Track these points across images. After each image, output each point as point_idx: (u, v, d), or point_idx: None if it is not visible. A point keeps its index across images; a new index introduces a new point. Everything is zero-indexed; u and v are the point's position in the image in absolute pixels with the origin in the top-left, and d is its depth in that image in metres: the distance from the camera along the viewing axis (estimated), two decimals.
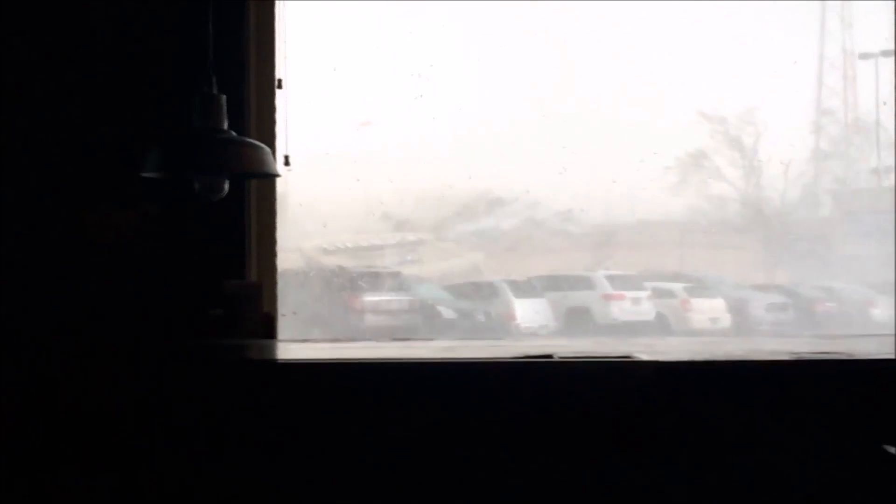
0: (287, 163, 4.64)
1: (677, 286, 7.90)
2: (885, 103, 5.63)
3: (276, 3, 4.71)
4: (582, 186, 6.60)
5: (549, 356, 3.21)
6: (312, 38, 5.61)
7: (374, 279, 8.05)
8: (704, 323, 7.47)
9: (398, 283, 7.52)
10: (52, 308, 4.48)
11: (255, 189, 4.62)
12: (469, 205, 7.03)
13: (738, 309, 7.41)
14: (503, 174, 6.58)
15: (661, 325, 7.26)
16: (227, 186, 4.04)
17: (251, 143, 4.00)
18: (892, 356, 3.55)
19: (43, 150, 4.59)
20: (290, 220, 6.17)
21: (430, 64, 6.07)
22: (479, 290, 8.53)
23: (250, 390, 3.27)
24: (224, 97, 4.01)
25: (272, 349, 3.89)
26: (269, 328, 4.50)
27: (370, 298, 7.59)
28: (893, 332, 4.62)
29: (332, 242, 7.41)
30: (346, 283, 7.18)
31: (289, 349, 3.91)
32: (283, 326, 4.93)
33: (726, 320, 7.34)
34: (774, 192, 7.10)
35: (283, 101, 4.72)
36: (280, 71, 4.69)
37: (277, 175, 4.13)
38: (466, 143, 6.42)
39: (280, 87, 4.68)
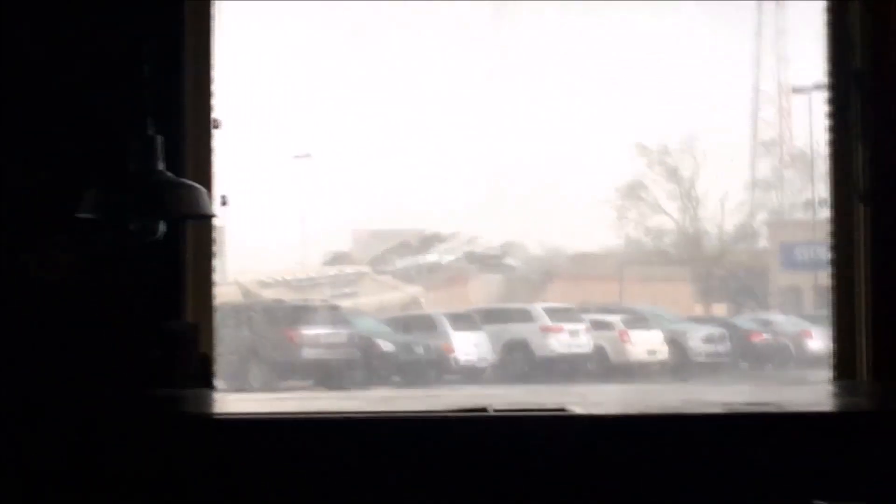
0: (224, 202, 4.61)
1: (615, 318, 7.89)
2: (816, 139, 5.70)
3: (213, 40, 4.69)
4: (520, 219, 6.64)
5: (484, 409, 3.20)
6: (251, 72, 5.60)
7: (313, 313, 8.00)
8: (642, 355, 7.48)
9: (337, 316, 7.47)
10: None
11: (192, 229, 4.58)
12: (406, 240, 7.04)
13: (675, 341, 7.42)
14: (441, 210, 6.61)
15: (599, 358, 7.26)
16: (162, 228, 4.01)
17: (187, 185, 3.97)
18: (822, 409, 3.56)
19: None
20: (229, 253, 6.14)
21: (369, 96, 6.09)
22: (418, 323, 8.48)
23: (186, 445, 3.24)
24: (160, 138, 3.99)
25: (208, 401, 3.85)
26: (206, 369, 4.47)
27: (309, 332, 7.53)
28: (828, 375, 4.66)
29: (270, 275, 7.37)
30: (284, 316, 7.15)
31: (225, 401, 3.87)
32: (222, 363, 4.90)
33: (664, 352, 7.36)
34: (712, 224, 7.16)
35: (221, 140, 4.70)
36: (217, 109, 4.66)
37: (213, 216, 4.10)
38: (403, 178, 6.45)
39: (217, 127, 4.65)
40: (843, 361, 4.85)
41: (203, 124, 4.72)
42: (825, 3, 4.90)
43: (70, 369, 4.41)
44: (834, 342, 4.85)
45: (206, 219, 4.30)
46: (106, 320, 4.48)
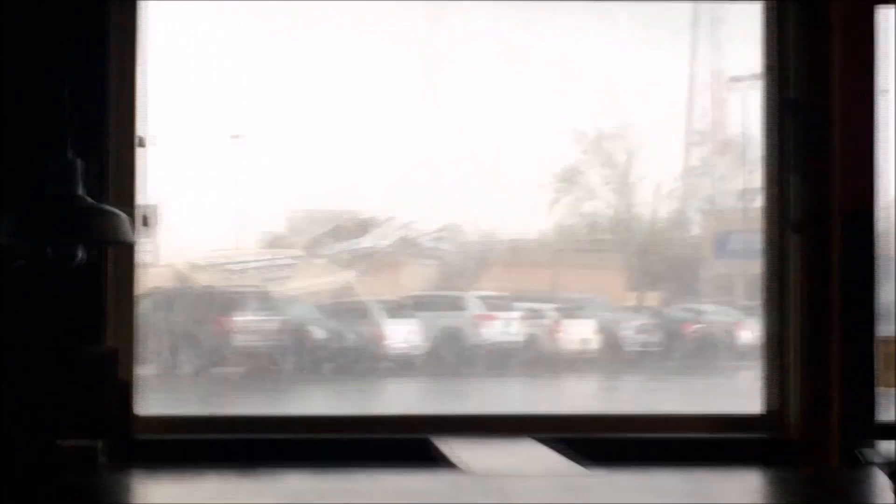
0: (146, 223, 4.56)
1: (548, 307, 7.90)
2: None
3: (138, 56, 4.63)
4: (456, 205, 6.60)
5: None
6: (184, 52, 5.50)
7: (245, 298, 7.94)
8: (575, 345, 7.49)
9: (268, 302, 7.43)
10: None
11: (113, 254, 4.52)
12: (341, 223, 6.99)
13: (607, 330, 7.44)
14: (377, 193, 6.56)
15: (531, 347, 7.28)
16: (81, 254, 3.95)
17: (107, 211, 3.92)
18: None
19: None
20: (164, 234, 6.06)
21: (305, 78, 6.03)
22: (351, 310, 8.45)
23: None
24: (80, 161, 3.92)
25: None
26: (125, 396, 4.44)
27: (239, 318, 7.48)
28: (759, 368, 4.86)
29: (203, 259, 7.30)
30: (215, 301, 7.09)
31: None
32: (152, 350, 4.90)
33: (596, 342, 7.37)
34: (646, 212, 7.16)
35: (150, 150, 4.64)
36: (149, 110, 4.60)
37: (132, 242, 4.05)
38: (339, 160, 6.39)
39: (143, 145, 4.60)
40: (773, 357, 5.01)
41: (127, 143, 4.67)
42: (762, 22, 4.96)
43: None
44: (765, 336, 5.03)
45: (124, 245, 4.25)
46: (23, 347, 4.42)
